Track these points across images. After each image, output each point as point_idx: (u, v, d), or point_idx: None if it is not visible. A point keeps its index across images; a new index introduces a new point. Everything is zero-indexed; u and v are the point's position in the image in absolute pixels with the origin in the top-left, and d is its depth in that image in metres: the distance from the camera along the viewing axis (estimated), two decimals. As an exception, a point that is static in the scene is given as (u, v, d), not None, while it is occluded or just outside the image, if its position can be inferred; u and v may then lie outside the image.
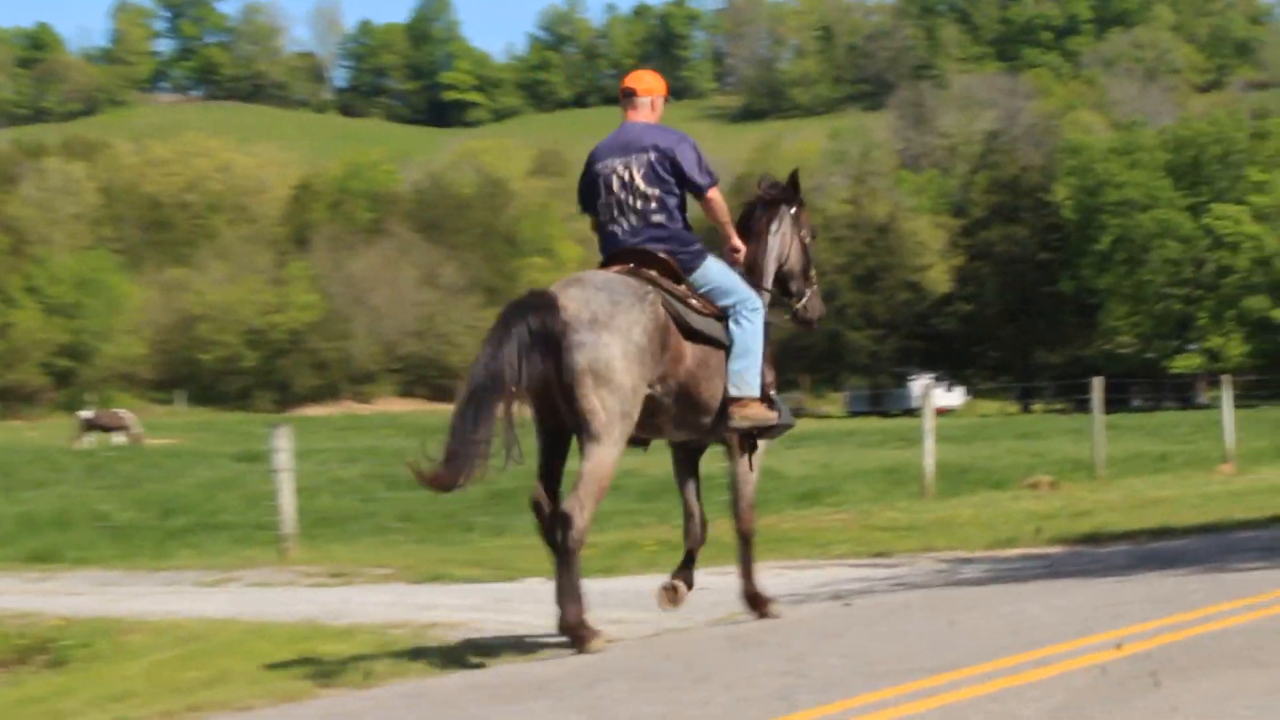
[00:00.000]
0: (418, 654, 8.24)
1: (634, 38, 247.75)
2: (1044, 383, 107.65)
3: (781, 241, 9.57)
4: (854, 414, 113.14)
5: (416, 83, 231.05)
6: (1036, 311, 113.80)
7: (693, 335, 8.52)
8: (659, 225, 8.69)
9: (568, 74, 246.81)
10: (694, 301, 8.59)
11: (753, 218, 9.53)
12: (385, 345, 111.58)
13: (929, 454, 20.82)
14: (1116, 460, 28.24)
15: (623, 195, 8.70)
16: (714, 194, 8.87)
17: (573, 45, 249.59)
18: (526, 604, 10.23)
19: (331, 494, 25.69)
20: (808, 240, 9.90)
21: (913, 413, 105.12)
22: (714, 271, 8.83)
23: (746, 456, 9.23)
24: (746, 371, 8.73)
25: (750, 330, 8.79)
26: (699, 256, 8.77)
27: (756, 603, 9.24)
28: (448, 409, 8.48)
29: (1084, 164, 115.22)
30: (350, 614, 10.01)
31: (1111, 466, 25.53)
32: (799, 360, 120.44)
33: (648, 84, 9.09)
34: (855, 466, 30.77)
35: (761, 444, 9.30)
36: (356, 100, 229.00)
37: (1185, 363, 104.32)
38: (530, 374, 7.90)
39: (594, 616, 8.08)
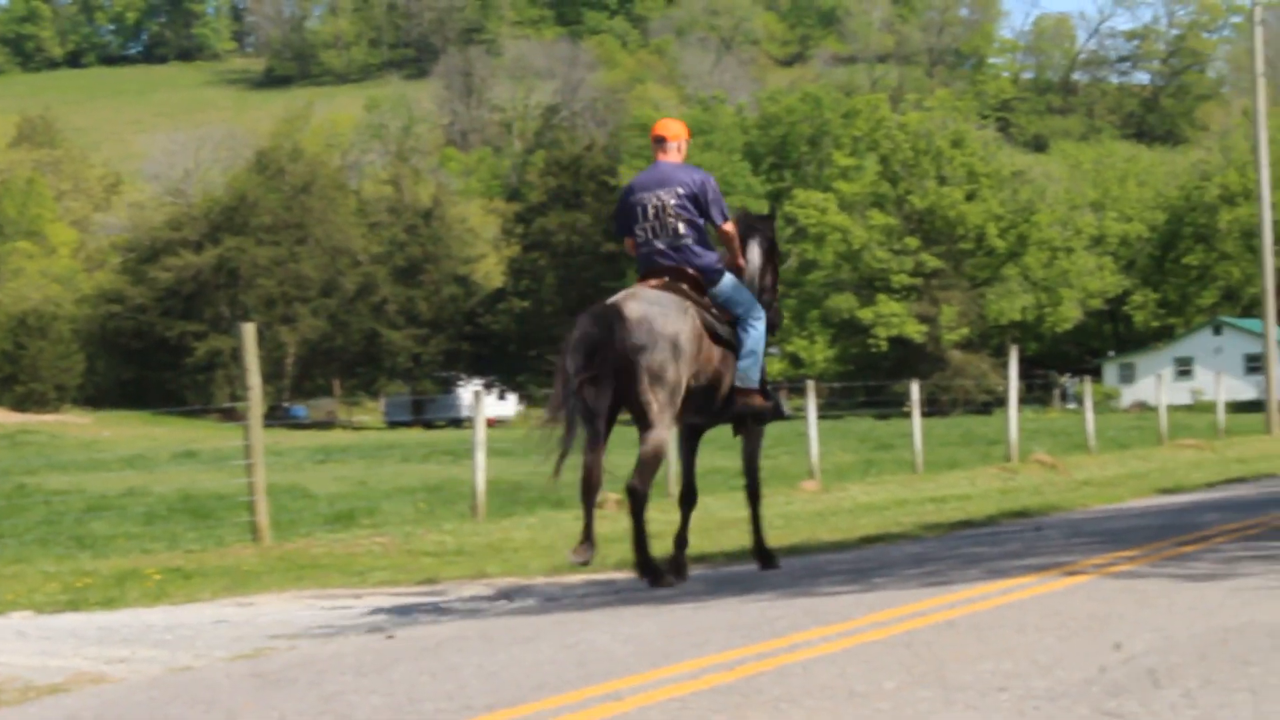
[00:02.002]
0: None
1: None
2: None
3: (756, 263, 12.89)
4: (394, 424, 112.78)
5: None
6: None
7: (717, 339, 11.93)
8: (687, 248, 11.98)
9: (59, 29, 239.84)
10: (714, 311, 11.96)
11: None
12: None
13: (480, 470, 20.85)
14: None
15: (657, 223, 12.02)
16: (727, 226, 12.32)
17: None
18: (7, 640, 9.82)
19: None
20: (778, 264, 13.26)
21: (461, 423, 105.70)
22: (728, 286, 12.14)
23: (757, 436, 12.94)
24: (751, 369, 12.22)
25: (755, 335, 12.23)
26: (718, 274, 12.08)
27: (764, 559, 12.90)
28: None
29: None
30: None
31: (685, 482, 26.08)
32: (330, 364, 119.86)
33: (675, 131, 12.55)
34: (396, 484, 30.75)
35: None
36: None
37: (768, 368, 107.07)
38: (601, 371, 11.34)
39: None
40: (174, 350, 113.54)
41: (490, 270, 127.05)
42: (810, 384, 28.69)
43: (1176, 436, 40.36)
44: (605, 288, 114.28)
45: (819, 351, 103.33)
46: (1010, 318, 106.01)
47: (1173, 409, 57.36)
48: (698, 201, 11.99)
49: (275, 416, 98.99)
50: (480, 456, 20.96)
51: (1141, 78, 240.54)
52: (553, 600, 11.61)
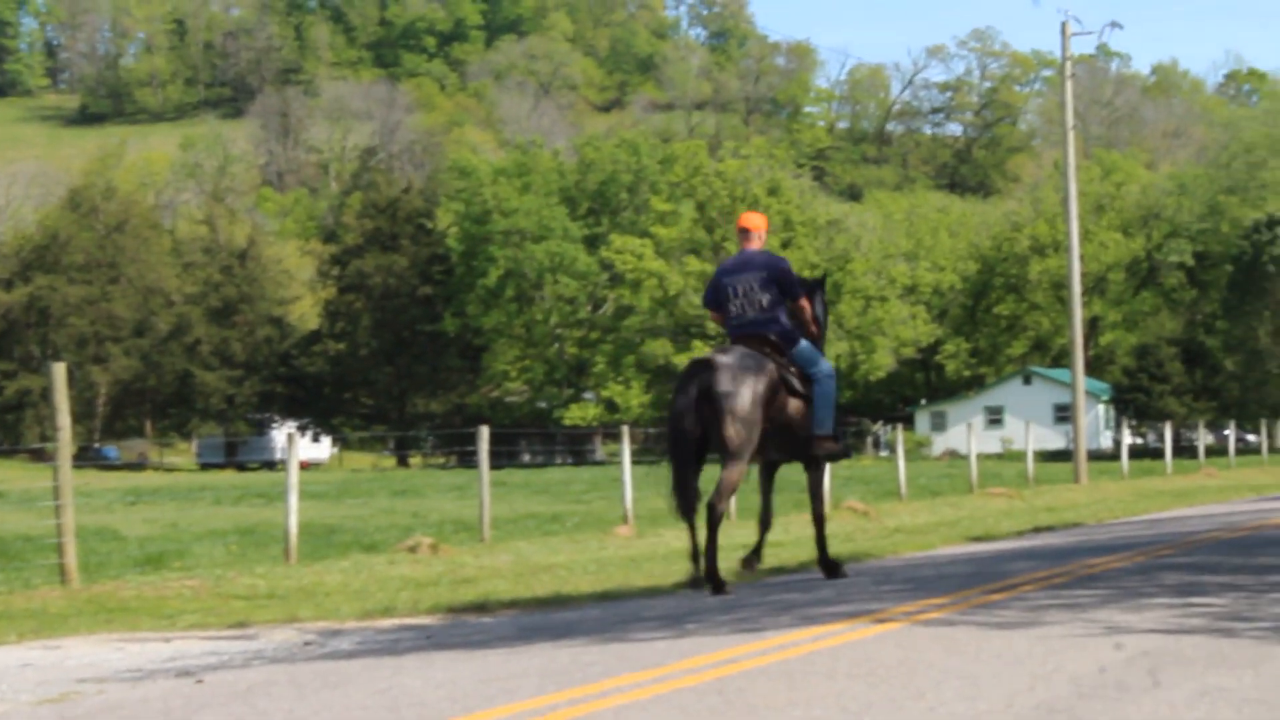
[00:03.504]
0: None
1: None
2: (423, 433, 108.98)
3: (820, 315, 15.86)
4: (207, 466, 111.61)
5: None
6: (416, 353, 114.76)
7: (793, 392, 14.65)
8: (771, 320, 14.80)
9: None
10: (793, 369, 14.72)
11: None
12: None
13: (292, 513, 20.66)
14: (504, 521, 28.89)
15: (746, 301, 14.83)
16: (803, 301, 15.21)
17: None
18: None
19: None
20: (822, 316, 15.92)
21: (274, 465, 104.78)
22: (805, 350, 14.97)
23: (821, 471, 15.73)
24: (825, 419, 14.98)
25: (827, 389, 14.98)
26: (795, 341, 14.89)
27: (829, 569, 15.59)
28: None
29: (471, 188, 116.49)
30: None
31: (498, 528, 26.07)
32: (143, 404, 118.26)
33: (756, 224, 15.52)
34: (207, 526, 30.38)
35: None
36: None
37: (580, 413, 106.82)
38: (700, 416, 14.04)
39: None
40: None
41: (306, 312, 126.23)
42: (625, 429, 28.68)
43: (986, 485, 40.87)
44: (421, 331, 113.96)
45: (634, 397, 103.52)
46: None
47: (983, 457, 58.27)
48: (778, 282, 14.88)
49: (86, 457, 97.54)
50: (293, 499, 20.77)
51: (954, 129, 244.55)
52: (364, 645, 11.52)
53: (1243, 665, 7.92)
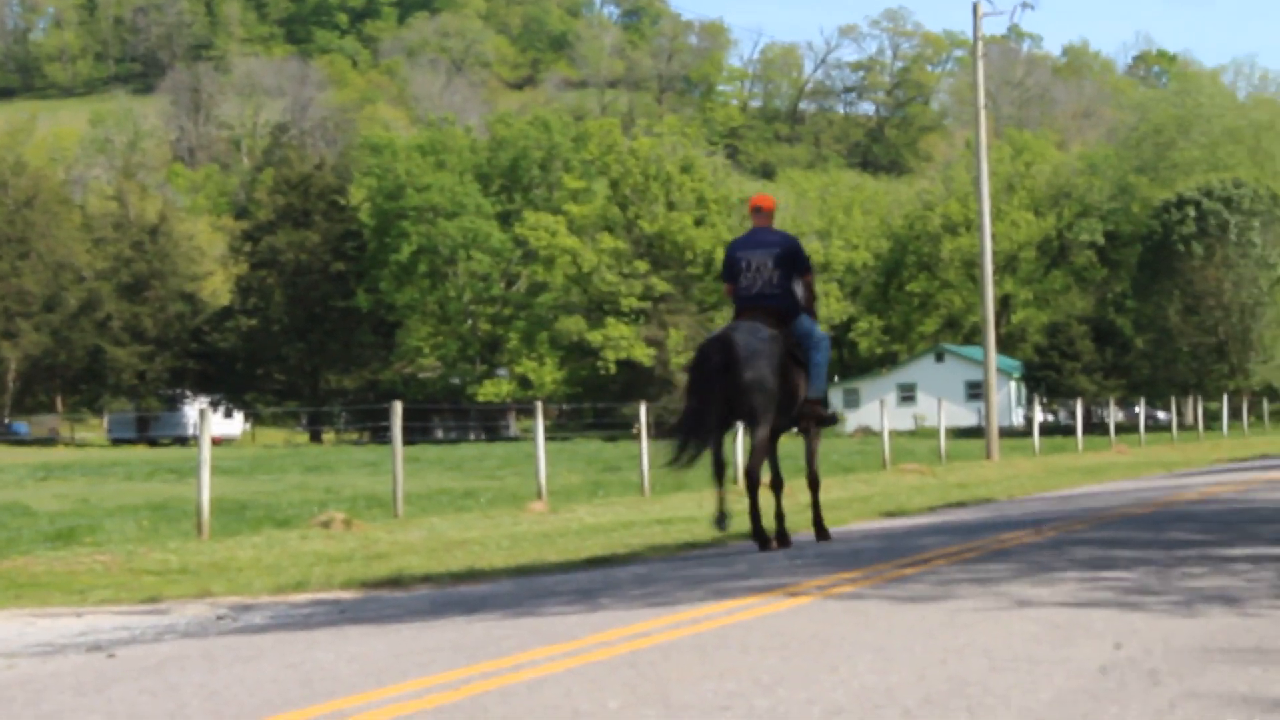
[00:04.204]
0: None
1: None
2: (336, 409, 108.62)
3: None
4: (118, 441, 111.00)
5: None
6: (329, 329, 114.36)
7: (796, 361, 15.63)
8: (776, 294, 15.87)
9: None
10: (793, 339, 15.69)
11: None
12: None
13: (205, 488, 20.57)
14: (418, 497, 28.82)
15: (757, 275, 15.88)
16: (809, 276, 16.24)
17: None
18: None
19: None
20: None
21: (186, 441, 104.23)
22: (804, 321, 16.01)
23: (817, 436, 16.60)
24: (820, 385, 16.00)
25: (822, 358, 16.05)
26: (795, 312, 15.95)
27: (821, 532, 16.65)
28: None
29: (384, 164, 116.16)
30: None
31: (412, 504, 26.02)
32: (53, 380, 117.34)
33: (768, 203, 16.65)
34: (119, 501, 30.16)
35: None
36: None
37: (494, 389, 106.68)
38: (721, 388, 14.88)
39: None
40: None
41: (217, 288, 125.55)
42: (539, 405, 28.65)
43: (900, 461, 41.08)
44: (333, 307, 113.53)
45: (548, 373, 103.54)
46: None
47: (896, 434, 58.48)
48: (791, 259, 15.96)
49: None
50: (205, 475, 20.68)
51: (867, 108, 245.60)
52: (277, 619, 11.46)
53: (1152, 638, 7.97)
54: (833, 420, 17.01)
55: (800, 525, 17.49)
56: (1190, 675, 6.92)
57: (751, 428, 15.42)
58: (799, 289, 16.21)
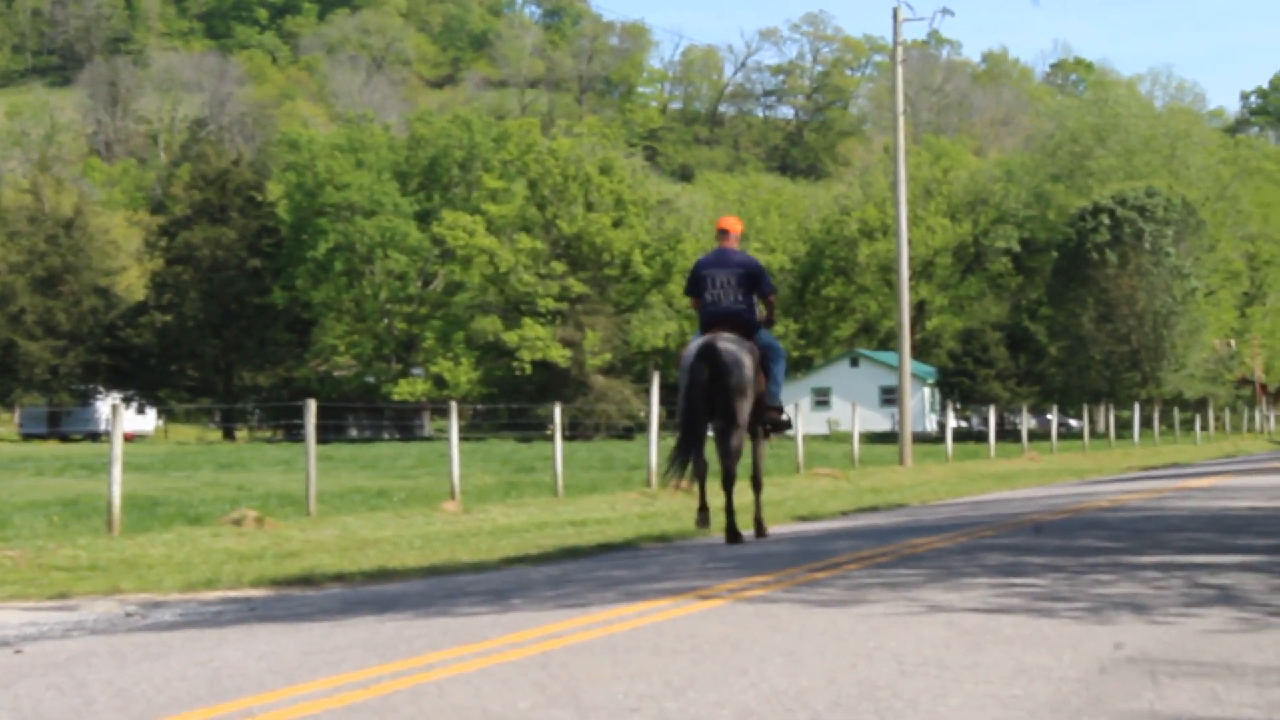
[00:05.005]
0: None
1: None
2: (250, 406, 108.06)
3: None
4: (29, 436, 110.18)
5: None
6: (244, 326, 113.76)
7: (764, 370, 17.03)
8: (741, 309, 17.10)
9: None
10: (757, 350, 16.90)
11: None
12: None
13: (116, 484, 20.42)
14: (331, 495, 28.71)
15: (721, 291, 17.10)
16: (771, 297, 17.45)
17: None
18: None
19: None
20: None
21: (98, 437, 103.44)
22: (764, 334, 17.33)
23: (766, 440, 17.95)
24: (778, 393, 17.43)
25: (780, 368, 17.44)
26: (756, 327, 17.22)
27: (760, 530, 17.72)
28: None
29: (302, 161, 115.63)
30: None
31: (325, 502, 25.91)
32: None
33: (734, 226, 17.94)
34: (29, 497, 29.91)
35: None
36: None
37: (409, 389, 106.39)
38: (710, 393, 16.35)
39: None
40: None
41: (132, 283, 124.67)
42: (453, 405, 28.59)
43: (813, 465, 41.18)
44: (249, 303, 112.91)
45: (463, 373, 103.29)
46: (654, 344, 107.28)
47: (810, 438, 58.68)
48: (750, 278, 17.18)
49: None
50: (117, 471, 20.53)
51: (786, 112, 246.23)
52: (187, 617, 11.39)
53: (1062, 644, 8.02)
54: (788, 425, 18.18)
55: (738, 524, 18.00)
56: (1098, 683, 6.97)
57: (730, 430, 16.58)
58: (759, 309, 17.44)
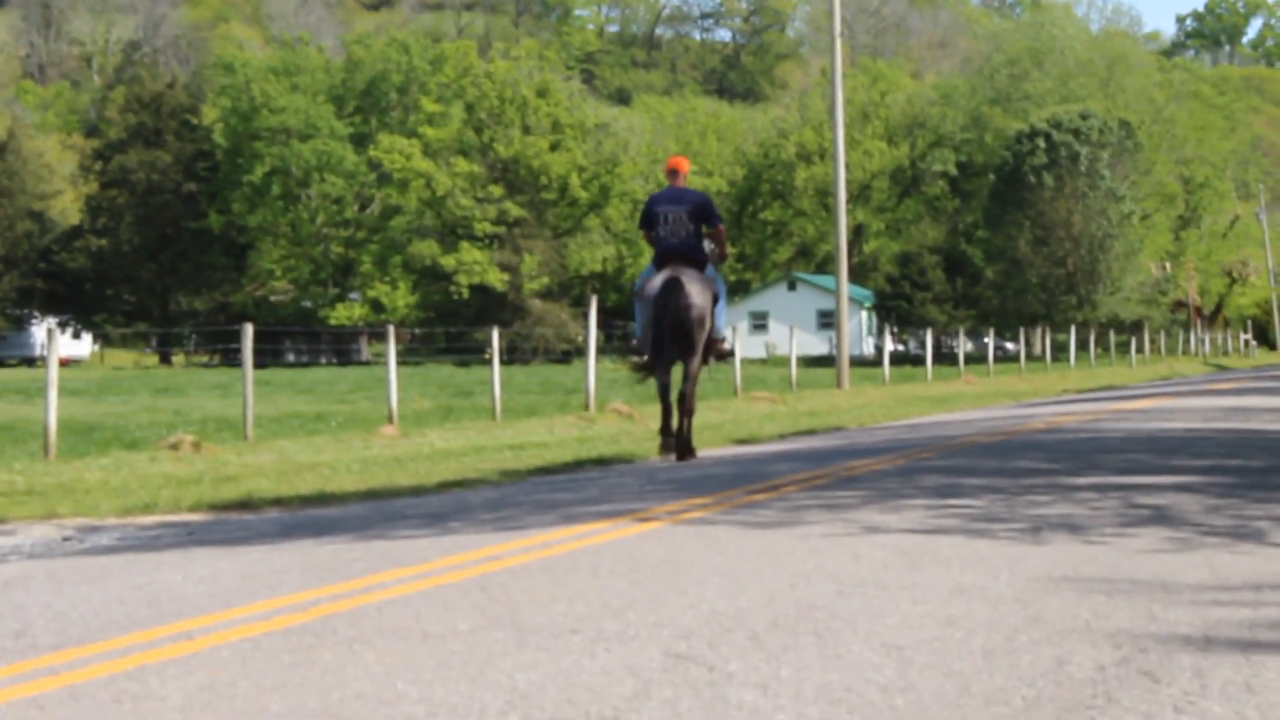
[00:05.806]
0: None
1: None
2: (186, 331, 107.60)
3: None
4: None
5: None
6: (180, 250, 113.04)
7: (713, 300, 18.10)
8: (692, 244, 18.30)
9: None
10: (711, 286, 18.09)
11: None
12: None
13: (52, 409, 20.36)
14: (268, 420, 28.66)
15: (674, 225, 18.28)
16: (721, 227, 18.62)
17: None
18: None
19: None
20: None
21: (33, 362, 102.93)
22: (712, 269, 18.53)
23: (705, 367, 18.69)
24: (720, 324, 18.47)
25: (722, 303, 18.56)
26: (705, 261, 18.41)
27: (687, 452, 18.38)
28: None
29: (237, 84, 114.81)
30: None
31: (262, 427, 25.88)
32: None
33: (684, 166, 19.05)
34: (-38, 424, 29.74)
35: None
36: None
37: (346, 313, 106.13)
38: (672, 318, 17.63)
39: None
40: None
41: (67, 207, 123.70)
42: (391, 329, 28.53)
43: (750, 389, 41.32)
44: (185, 228, 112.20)
45: (400, 297, 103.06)
46: (591, 268, 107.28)
47: (747, 362, 58.80)
48: (701, 213, 18.42)
49: None
50: (52, 395, 20.47)
51: (724, 35, 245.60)
52: (124, 541, 11.35)
53: (999, 564, 8.06)
54: (731, 354, 19.91)
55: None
56: (1035, 602, 7.01)
57: (689, 358, 17.98)
58: (708, 242, 18.66)
